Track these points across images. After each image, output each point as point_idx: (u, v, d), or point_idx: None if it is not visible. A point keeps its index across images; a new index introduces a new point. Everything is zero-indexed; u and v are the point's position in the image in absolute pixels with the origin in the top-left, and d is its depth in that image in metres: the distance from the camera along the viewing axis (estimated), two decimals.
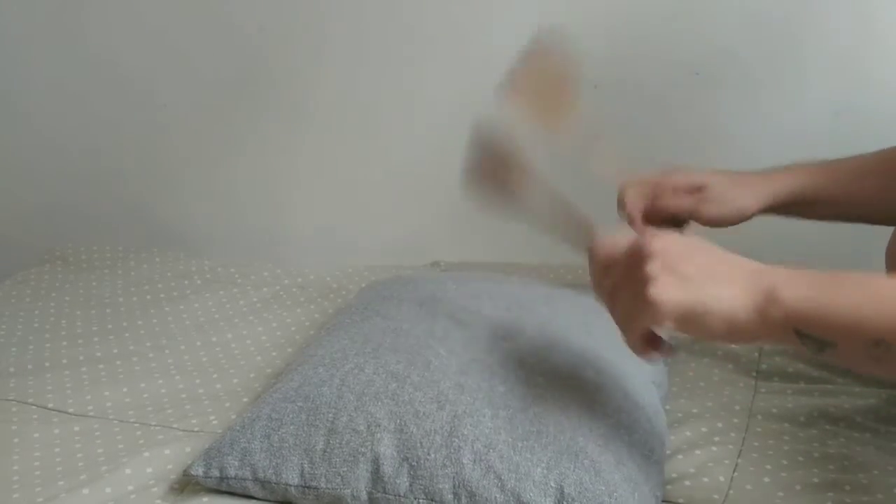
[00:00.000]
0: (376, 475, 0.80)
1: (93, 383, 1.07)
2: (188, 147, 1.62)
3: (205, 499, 0.85)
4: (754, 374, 1.03)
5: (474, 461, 0.78)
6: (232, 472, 0.83)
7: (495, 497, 0.76)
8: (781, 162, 0.98)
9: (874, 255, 0.95)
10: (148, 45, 1.56)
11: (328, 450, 0.82)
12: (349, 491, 0.81)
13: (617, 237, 0.73)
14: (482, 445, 0.79)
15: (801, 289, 0.62)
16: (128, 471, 0.89)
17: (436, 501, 0.78)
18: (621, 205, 0.97)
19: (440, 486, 0.78)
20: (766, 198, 0.96)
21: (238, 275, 1.37)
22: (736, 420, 0.94)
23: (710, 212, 0.95)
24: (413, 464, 0.80)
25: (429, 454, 0.80)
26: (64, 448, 0.95)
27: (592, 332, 0.94)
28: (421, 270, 1.34)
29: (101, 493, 0.87)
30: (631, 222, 0.96)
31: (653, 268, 0.66)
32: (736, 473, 0.86)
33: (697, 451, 0.89)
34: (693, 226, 0.97)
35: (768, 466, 0.87)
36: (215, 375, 1.09)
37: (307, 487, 0.82)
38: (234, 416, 0.99)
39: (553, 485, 0.76)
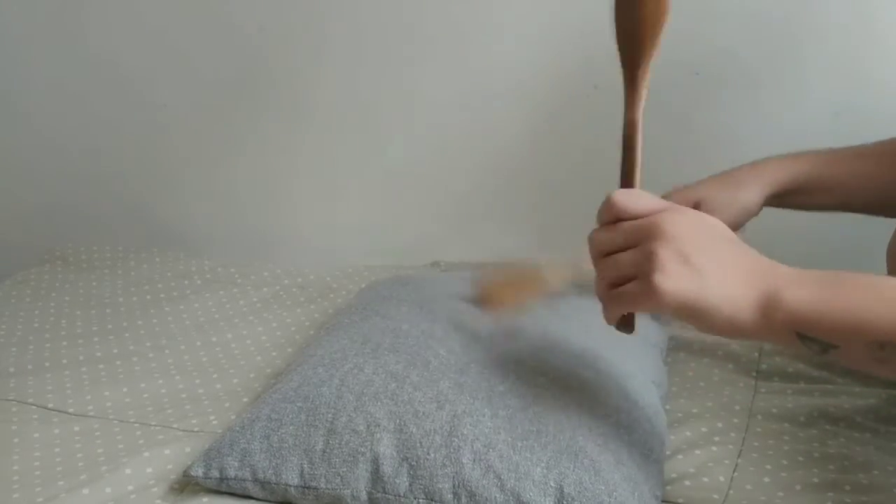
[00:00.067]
0: (376, 475, 0.80)
1: (93, 383, 1.07)
2: (188, 147, 1.62)
3: (205, 499, 0.85)
4: (754, 374, 1.03)
5: (474, 461, 0.78)
6: (232, 473, 0.83)
7: (495, 497, 0.76)
8: None
9: (874, 255, 0.95)
10: (148, 45, 1.55)
11: (328, 450, 0.82)
12: (349, 491, 0.81)
13: (642, 195, 0.68)
14: (482, 445, 0.79)
15: (804, 292, 0.61)
16: (128, 471, 0.89)
17: (435, 501, 0.78)
18: None
19: (440, 486, 0.78)
20: (766, 187, 0.95)
21: (238, 275, 1.37)
22: (736, 420, 0.94)
23: None
24: (413, 464, 0.80)
25: (428, 454, 0.79)
26: (64, 448, 0.95)
27: (592, 332, 0.94)
28: (421, 270, 1.34)
29: (101, 493, 0.87)
30: None
31: (665, 253, 0.63)
32: (736, 473, 0.86)
33: (697, 451, 0.89)
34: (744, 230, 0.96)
35: (768, 466, 0.87)
36: (215, 375, 1.09)
37: (307, 488, 0.81)
38: (233, 417, 0.99)
39: (553, 484, 0.76)
